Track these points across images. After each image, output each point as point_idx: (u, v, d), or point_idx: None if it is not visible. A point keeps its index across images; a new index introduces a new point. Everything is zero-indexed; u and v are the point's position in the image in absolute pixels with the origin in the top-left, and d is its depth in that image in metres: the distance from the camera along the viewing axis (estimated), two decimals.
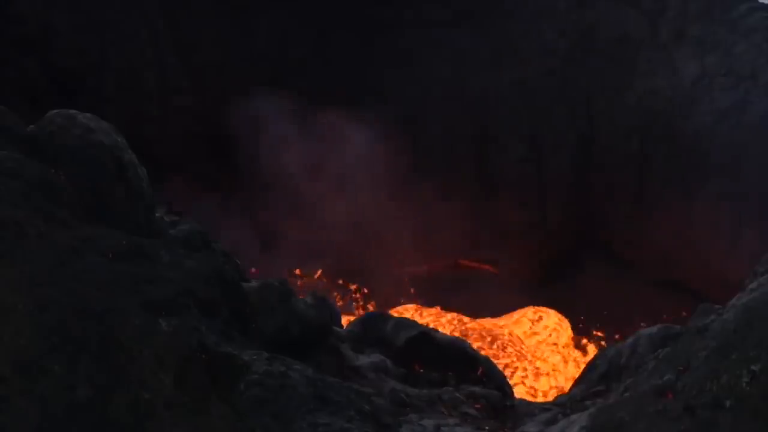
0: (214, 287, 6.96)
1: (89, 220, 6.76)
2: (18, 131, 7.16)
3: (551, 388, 23.79)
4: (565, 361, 25.41)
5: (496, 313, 26.78)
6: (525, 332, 25.83)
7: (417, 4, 27.98)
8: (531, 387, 23.71)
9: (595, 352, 22.60)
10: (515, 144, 27.72)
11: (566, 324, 26.68)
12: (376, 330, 9.55)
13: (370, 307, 26.65)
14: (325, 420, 6.21)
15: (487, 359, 9.57)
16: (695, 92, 25.04)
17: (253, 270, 19.48)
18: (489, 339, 24.28)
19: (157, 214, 7.92)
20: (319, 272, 27.67)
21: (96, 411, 5.29)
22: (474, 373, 9.08)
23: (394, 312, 23.36)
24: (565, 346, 26.04)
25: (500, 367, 10.15)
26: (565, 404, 8.84)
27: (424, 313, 25.80)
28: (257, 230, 26.02)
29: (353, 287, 27.69)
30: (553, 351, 25.52)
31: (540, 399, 21.23)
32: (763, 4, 25.59)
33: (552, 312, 26.84)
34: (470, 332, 24.67)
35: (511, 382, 14.32)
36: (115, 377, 5.48)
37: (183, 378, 5.78)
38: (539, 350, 25.37)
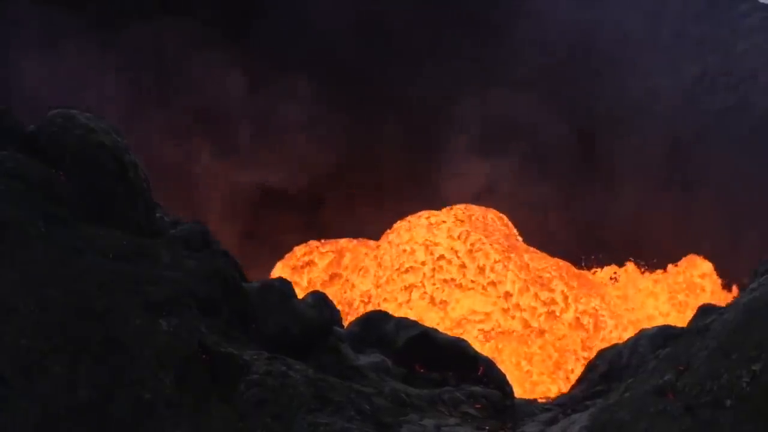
0: (215, 287, 6.97)
1: (90, 220, 6.77)
2: (19, 131, 7.16)
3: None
4: None
5: None
6: None
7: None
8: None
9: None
10: (515, 144, 27.71)
11: None
12: (376, 330, 9.53)
13: None
14: (326, 420, 6.22)
15: (487, 359, 9.55)
16: (696, 92, 25.01)
17: None
18: None
19: (157, 214, 7.92)
20: None
21: (97, 411, 5.30)
22: (474, 373, 9.07)
23: None
24: None
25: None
26: (565, 404, 8.84)
27: None
28: None
29: None
30: None
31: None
32: (763, 4, 25.57)
33: None
34: None
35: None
36: (116, 377, 5.49)
37: (183, 378, 5.80)
38: None
